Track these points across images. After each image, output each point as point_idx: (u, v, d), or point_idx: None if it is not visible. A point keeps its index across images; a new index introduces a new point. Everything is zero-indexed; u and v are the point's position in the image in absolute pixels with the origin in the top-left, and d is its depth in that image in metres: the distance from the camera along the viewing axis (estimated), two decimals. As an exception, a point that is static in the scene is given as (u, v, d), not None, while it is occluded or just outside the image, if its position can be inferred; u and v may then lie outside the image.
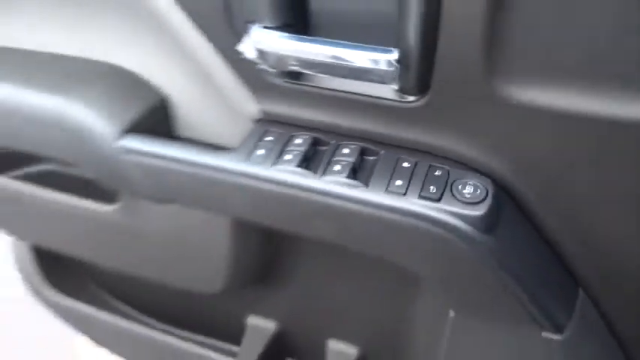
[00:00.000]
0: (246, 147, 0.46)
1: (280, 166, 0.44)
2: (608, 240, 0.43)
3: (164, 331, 0.75)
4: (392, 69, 0.38)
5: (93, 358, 1.07)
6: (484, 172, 0.42)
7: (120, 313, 0.78)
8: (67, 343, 1.13)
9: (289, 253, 0.62)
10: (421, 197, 0.41)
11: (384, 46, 0.39)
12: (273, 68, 0.43)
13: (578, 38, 0.34)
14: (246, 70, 0.45)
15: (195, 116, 0.51)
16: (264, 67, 0.43)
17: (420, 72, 0.38)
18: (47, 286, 0.77)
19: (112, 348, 0.82)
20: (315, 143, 0.46)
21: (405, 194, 0.41)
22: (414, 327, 0.61)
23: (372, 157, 0.44)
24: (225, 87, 0.47)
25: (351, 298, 0.64)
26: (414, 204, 0.40)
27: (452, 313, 0.46)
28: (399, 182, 0.42)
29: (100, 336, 0.81)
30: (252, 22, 0.41)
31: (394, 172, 0.42)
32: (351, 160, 0.43)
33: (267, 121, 0.48)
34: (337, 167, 0.43)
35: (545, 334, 0.44)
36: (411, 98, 0.41)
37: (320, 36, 0.42)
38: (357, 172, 0.43)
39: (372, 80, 0.39)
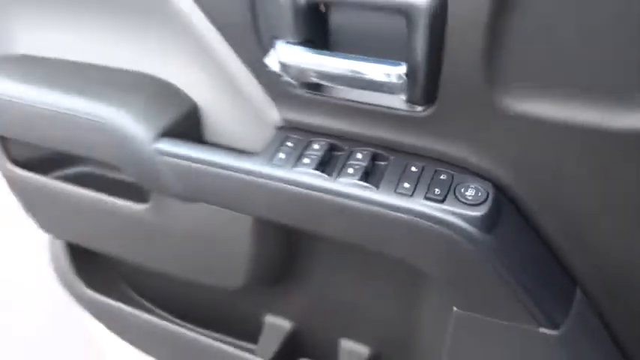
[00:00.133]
0: (269, 151, 0.50)
1: (299, 169, 0.48)
2: (604, 242, 0.46)
3: (189, 329, 0.79)
4: (400, 81, 0.42)
5: (117, 356, 1.11)
6: (486, 177, 0.46)
7: (146, 310, 0.82)
8: (91, 340, 1.19)
9: (305, 254, 0.66)
10: (426, 198, 0.44)
11: (395, 59, 0.43)
12: (295, 80, 0.48)
13: (572, 55, 0.38)
14: (270, 81, 0.50)
15: (223, 123, 0.56)
16: (286, 78, 0.48)
17: (426, 84, 0.43)
18: (79, 282, 0.82)
19: (139, 344, 0.87)
20: (331, 149, 0.50)
21: (411, 195, 0.45)
22: (424, 326, 0.64)
23: (383, 162, 0.48)
24: (251, 96, 0.52)
25: (364, 299, 0.67)
26: (419, 204, 0.44)
27: (455, 309, 0.49)
28: (406, 185, 0.45)
29: (127, 332, 0.85)
30: (277, 37, 0.46)
31: (402, 175, 0.46)
32: (364, 164, 0.47)
33: (288, 128, 0.52)
34: (351, 170, 0.47)
35: (543, 330, 0.46)
36: (419, 108, 0.45)
37: (338, 50, 0.46)
38: (368, 175, 0.47)
39: (382, 91, 0.44)
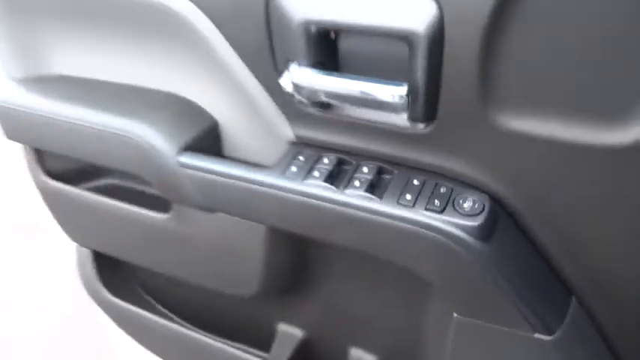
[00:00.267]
0: (282, 165, 0.54)
1: (309, 181, 0.52)
2: (597, 252, 0.48)
3: (205, 336, 0.82)
4: (402, 101, 0.46)
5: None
6: (483, 190, 0.49)
7: (163, 316, 0.86)
8: (107, 345, 1.23)
9: (316, 264, 0.70)
10: (427, 209, 0.48)
11: (397, 80, 0.47)
12: (307, 99, 0.52)
13: (560, 78, 0.41)
14: (284, 101, 0.54)
15: (240, 138, 0.61)
16: (299, 98, 0.52)
17: (426, 104, 0.46)
18: (102, 288, 0.87)
19: (156, 350, 0.90)
20: (340, 163, 0.54)
21: (413, 206, 0.48)
22: (431, 335, 0.66)
23: (387, 176, 0.52)
24: (266, 114, 0.56)
25: (373, 308, 0.70)
26: (420, 214, 0.47)
27: (455, 315, 0.52)
28: (408, 197, 0.49)
29: (144, 337, 0.89)
30: (291, 60, 0.50)
31: (405, 188, 0.50)
32: (369, 177, 0.51)
33: (300, 144, 0.56)
34: (357, 183, 0.51)
35: (538, 336, 0.49)
36: (420, 126, 0.48)
37: (346, 72, 0.50)
38: (374, 188, 0.51)
39: (386, 110, 0.47)
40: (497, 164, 0.48)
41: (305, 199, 0.52)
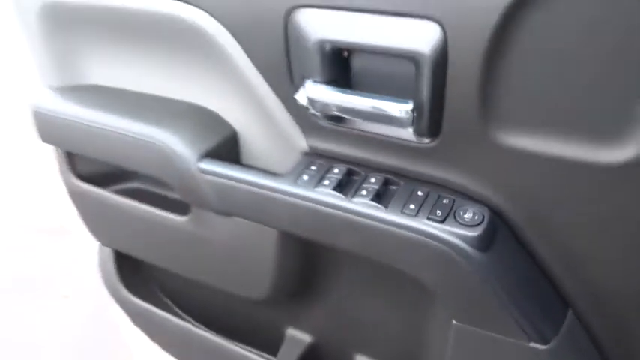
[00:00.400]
0: (294, 173, 0.58)
1: (319, 189, 0.55)
2: (594, 267, 0.50)
3: (220, 337, 0.85)
4: (408, 116, 0.49)
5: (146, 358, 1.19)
6: (484, 203, 0.52)
7: (179, 317, 0.90)
8: (123, 344, 1.27)
9: (326, 271, 0.72)
10: (429, 219, 0.51)
11: (404, 97, 0.50)
12: (320, 113, 0.55)
13: (557, 99, 0.44)
14: (299, 114, 0.58)
15: (257, 147, 0.65)
16: (313, 111, 0.56)
17: (431, 119, 0.49)
18: (122, 286, 0.91)
19: (169, 349, 0.94)
20: (349, 173, 0.57)
21: (416, 216, 0.51)
22: (436, 344, 0.68)
23: (394, 187, 0.55)
24: (282, 126, 0.60)
25: (379, 316, 0.73)
26: (422, 223, 0.50)
27: (454, 322, 0.54)
28: (412, 206, 0.52)
29: (160, 336, 0.93)
30: (306, 77, 0.54)
31: (410, 198, 0.53)
32: (376, 187, 0.54)
33: (313, 155, 0.60)
34: (364, 192, 0.54)
35: (533, 345, 0.51)
36: (426, 140, 0.52)
37: (358, 88, 0.54)
38: (380, 197, 0.54)
39: (393, 124, 0.51)
40: (497, 179, 0.50)
41: (315, 205, 0.55)
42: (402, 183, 0.55)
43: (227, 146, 0.65)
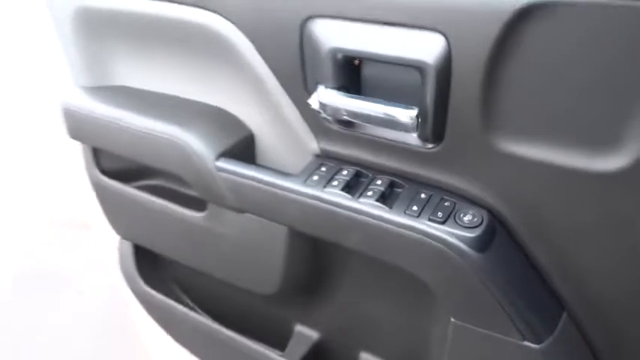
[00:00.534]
0: (306, 173, 0.61)
1: (328, 189, 0.58)
2: (589, 271, 0.52)
3: (235, 332, 0.88)
4: (412, 122, 0.52)
5: (161, 355, 1.23)
6: (484, 206, 0.54)
7: (193, 310, 0.93)
8: (138, 338, 1.31)
9: (333, 271, 0.75)
10: (430, 220, 0.53)
11: (410, 104, 0.53)
12: (331, 117, 0.59)
13: (555, 108, 0.47)
14: (311, 117, 0.61)
15: (271, 148, 0.68)
16: (324, 116, 0.59)
17: (434, 125, 0.52)
18: (140, 280, 0.95)
19: (184, 342, 0.97)
20: (357, 175, 0.60)
21: (418, 216, 0.54)
22: (436, 343, 0.71)
23: (398, 189, 0.58)
24: (296, 128, 0.64)
25: (384, 315, 0.75)
26: (423, 224, 0.53)
27: (452, 320, 0.57)
28: (415, 208, 0.55)
29: (175, 329, 0.97)
30: (319, 83, 0.57)
31: (413, 200, 0.56)
32: (382, 189, 0.57)
33: (323, 157, 0.63)
34: (370, 193, 0.57)
35: (527, 344, 0.53)
36: (429, 145, 0.54)
37: (367, 94, 0.57)
38: (385, 198, 0.57)
39: (398, 129, 0.54)
40: (497, 184, 0.53)
41: (323, 204, 0.58)
42: (406, 185, 0.58)
43: (243, 147, 0.68)
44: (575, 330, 0.55)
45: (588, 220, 0.50)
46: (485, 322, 0.54)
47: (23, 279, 1.83)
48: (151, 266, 0.96)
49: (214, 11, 0.61)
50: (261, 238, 0.70)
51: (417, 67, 0.50)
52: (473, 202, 0.55)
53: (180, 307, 0.91)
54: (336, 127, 0.60)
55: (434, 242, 0.53)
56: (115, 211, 0.90)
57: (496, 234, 0.53)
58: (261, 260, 0.73)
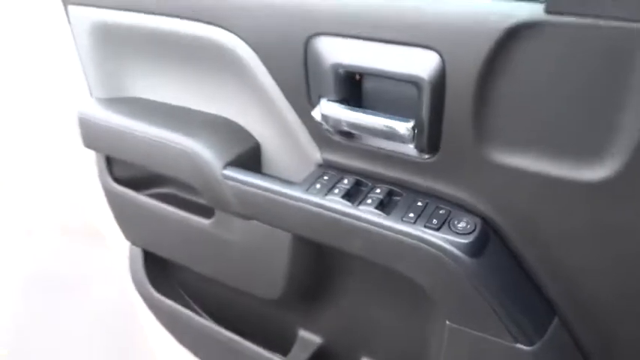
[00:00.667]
0: (308, 182, 0.64)
1: (329, 197, 0.61)
2: (578, 276, 0.55)
3: (241, 337, 0.90)
4: (408, 133, 0.55)
5: (168, 358, 1.25)
6: (477, 214, 0.57)
7: (199, 314, 0.96)
8: (145, 341, 1.34)
9: (335, 278, 0.78)
10: (425, 226, 0.56)
11: (408, 116, 0.56)
12: (333, 128, 0.62)
13: (541, 123, 0.49)
14: (315, 129, 0.64)
15: (276, 158, 0.71)
16: (327, 127, 0.62)
17: (430, 137, 0.55)
18: (148, 284, 0.98)
19: (190, 346, 1.00)
20: (357, 184, 0.63)
21: (414, 223, 0.56)
22: (435, 348, 0.73)
23: (397, 197, 0.61)
24: (300, 140, 0.67)
25: (384, 320, 0.77)
26: (419, 230, 0.56)
27: (447, 322, 0.59)
28: (411, 215, 0.57)
29: (180, 332, 0.99)
30: (322, 96, 0.60)
31: (410, 208, 0.58)
32: (381, 197, 0.60)
33: (326, 166, 0.66)
34: (369, 201, 0.60)
35: (518, 346, 0.55)
36: (426, 156, 0.57)
37: (368, 107, 0.60)
38: (383, 206, 0.59)
39: (397, 140, 0.57)
40: (489, 192, 0.56)
41: (325, 211, 0.61)
42: (403, 194, 0.60)
43: (250, 156, 0.72)
44: (566, 333, 0.58)
45: (577, 227, 0.52)
46: (479, 324, 0.57)
47: (35, 284, 1.87)
48: (160, 272, 0.99)
49: (224, 28, 0.64)
50: (265, 244, 0.73)
51: (414, 82, 0.53)
52: (467, 210, 0.57)
53: (187, 311, 0.94)
54: (337, 138, 0.63)
55: (429, 248, 0.55)
56: (125, 217, 0.93)
57: (489, 240, 0.56)
58: (266, 265, 0.75)
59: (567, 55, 0.46)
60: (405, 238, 0.56)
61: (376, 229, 0.58)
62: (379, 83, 0.58)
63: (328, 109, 0.60)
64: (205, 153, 0.70)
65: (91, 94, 0.86)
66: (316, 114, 0.62)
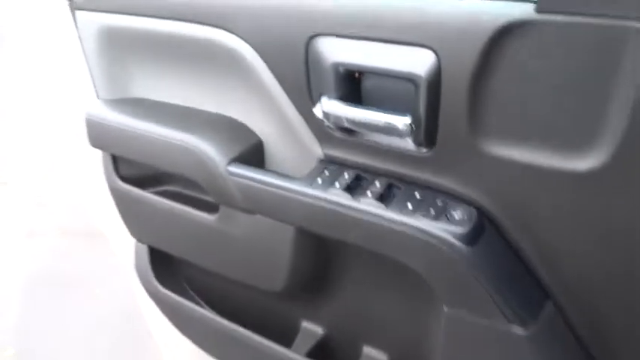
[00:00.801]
0: (310, 177, 0.67)
1: (331, 190, 0.64)
2: (569, 261, 0.57)
3: (248, 331, 0.92)
4: (406, 128, 0.58)
5: (173, 353, 1.28)
6: (473, 204, 0.59)
7: (204, 309, 0.99)
8: (151, 336, 1.36)
9: (338, 269, 0.80)
10: (423, 217, 0.59)
11: (406, 112, 0.58)
12: (334, 125, 0.64)
13: (533, 115, 0.52)
14: (316, 126, 0.67)
15: (279, 154, 0.74)
16: (328, 124, 0.65)
17: (427, 132, 0.58)
18: (154, 280, 1.00)
19: (198, 341, 1.02)
20: (358, 178, 0.65)
21: (412, 214, 0.59)
22: (435, 337, 0.75)
23: (395, 190, 0.63)
24: (301, 136, 0.69)
25: (386, 310, 0.80)
26: (417, 220, 0.58)
27: (445, 308, 0.62)
28: (410, 206, 0.60)
29: (188, 328, 1.02)
30: (323, 93, 0.63)
31: (408, 199, 0.61)
32: (380, 190, 0.62)
33: (327, 161, 0.69)
34: (369, 194, 0.62)
35: (513, 328, 0.58)
36: (423, 150, 0.60)
37: (367, 104, 0.62)
38: (383, 198, 0.62)
39: (395, 135, 0.59)
40: (485, 184, 0.58)
41: (326, 204, 0.64)
42: (402, 186, 0.63)
43: (253, 153, 0.74)
44: (559, 316, 0.60)
45: (567, 215, 0.55)
46: (475, 309, 0.59)
47: (40, 284, 1.89)
48: (165, 268, 1.01)
49: (227, 30, 0.67)
50: (269, 237, 0.76)
51: (410, 79, 0.56)
52: (463, 200, 0.60)
53: (192, 305, 0.96)
54: (338, 134, 0.65)
55: (427, 237, 0.58)
56: (131, 215, 0.95)
57: (484, 229, 0.58)
58: (269, 259, 0.78)
59: (557, 52, 0.48)
60: (403, 229, 0.59)
61: (376, 220, 0.60)
62: (378, 81, 0.61)
63: (329, 106, 0.62)
64: (210, 150, 0.73)
65: (98, 96, 0.88)
66: (317, 111, 0.64)
